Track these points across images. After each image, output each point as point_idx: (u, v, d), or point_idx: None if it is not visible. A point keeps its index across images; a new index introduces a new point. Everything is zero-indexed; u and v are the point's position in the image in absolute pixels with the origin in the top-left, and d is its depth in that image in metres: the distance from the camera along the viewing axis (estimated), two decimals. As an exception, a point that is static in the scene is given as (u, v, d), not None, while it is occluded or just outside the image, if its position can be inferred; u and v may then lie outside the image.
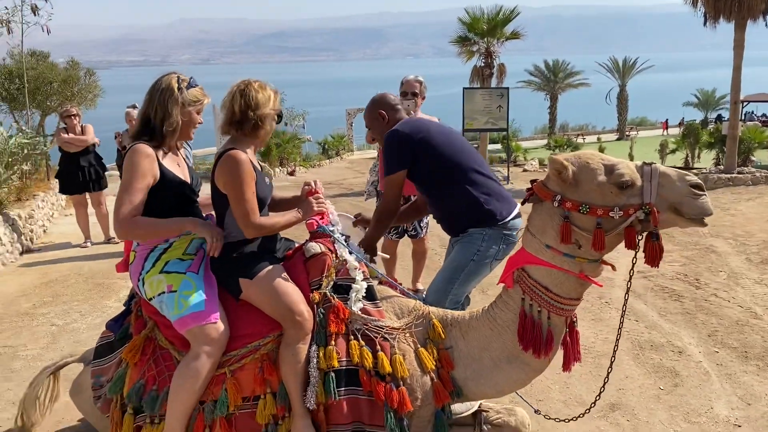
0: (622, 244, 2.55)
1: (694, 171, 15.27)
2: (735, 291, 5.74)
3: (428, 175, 3.31)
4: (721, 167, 15.26)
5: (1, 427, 3.55)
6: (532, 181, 2.69)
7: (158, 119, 2.76)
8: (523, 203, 2.76)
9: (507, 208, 3.28)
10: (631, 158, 28.14)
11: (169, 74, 2.84)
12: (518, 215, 3.32)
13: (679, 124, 40.59)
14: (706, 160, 24.86)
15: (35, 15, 10.88)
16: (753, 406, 3.63)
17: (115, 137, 7.64)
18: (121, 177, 3.03)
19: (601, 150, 31.58)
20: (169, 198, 2.81)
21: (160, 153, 2.80)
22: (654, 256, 2.48)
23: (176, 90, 2.76)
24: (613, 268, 2.75)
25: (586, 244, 2.53)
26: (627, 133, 45.69)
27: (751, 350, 4.40)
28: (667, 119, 47.86)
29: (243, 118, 2.76)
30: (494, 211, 3.23)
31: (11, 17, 10.69)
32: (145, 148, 2.73)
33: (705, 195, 2.46)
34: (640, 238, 2.55)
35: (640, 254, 2.54)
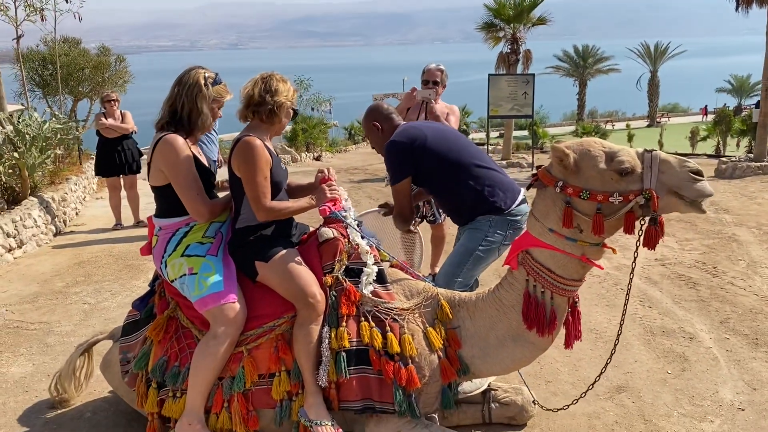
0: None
1: (723, 159, 15.05)
2: (752, 280, 5.75)
3: (431, 177, 3.45)
4: (752, 155, 15.02)
5: (38, 397, 3.77)
6: (537, 167, 2.80)
7: (185, 112, 2.92)
8: (528, 188, 2.87)
9: (511, 197, 3.41)
10: (661, 146, 27.84)
11: (195, 69, 2.98)
12: (523, 201, 3.44)
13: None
14: (743, 148, 24.48)
15: (68, 2, 11.16)
16: (758, 391, 3.69)
17: None
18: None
19: (630, 137, 31.29)
20: None
21: (189, 142, 2.97)
22: (651, 239, 2.58)
23: (204, 86, 2.92)
24: (614, 251, 2.84)
25: (587, 228, 2.63)
26: (657, 119, 45.07)
27: (762, 337, 4.44)
28: (706, 105, 46.86)
29: (261, 101, 2.90)
30: (498, 202, 3.36)
31: (45, 5, 10.97)
32: (180, 139, 2.90)
33: (704, 180, 2.54)
34: (642, 223, 2.64)
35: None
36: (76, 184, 10.00)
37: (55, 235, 8.08)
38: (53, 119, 9.39)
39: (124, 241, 7.67)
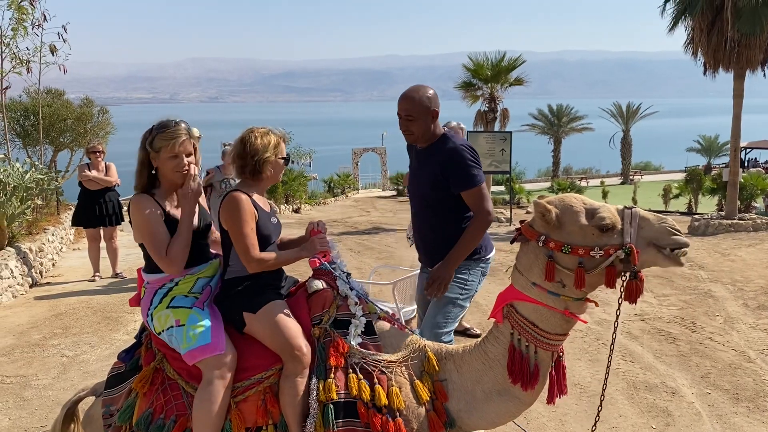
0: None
1: (696, 216, 15.40)
2: (730, 335, 5.85)
3: (450, 201, 3.51)
4: (723, 213, 15.40)
5: (12, 453, 3.67)
6: (521, 222, 2.88)
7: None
8: (511, 242, 2.94)
9: (490, 247, 3.62)
10: (635, 202, 28.39)
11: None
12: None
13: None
14: (709, 205, 25.09)
15: (53, 55, 11.24)
16: (741, 446, 3.73)
17: (207, 173, 7.09)
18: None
19: (605, 194, 31.89)
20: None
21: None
22: (632, 293, 2.64)
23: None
24: (596, 304, 2.90)
25: (569, 282, 2.69)
26: (631, 177, 46.03)
27: (742, 392, 4.50)
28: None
29: (243, 163, 2.99)
30: (481, 246, 3.53)
31: (31, 58, 11.06)
32: (145, 199, 2.93)
33: (681, 235, 2.63)
34: (624, 278, 2.71)
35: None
36: (53, 235, 9.91)
37: (31, 286, 7.95)
38: (33, 169, 9.37)
39: (103, 293, 7.58)
